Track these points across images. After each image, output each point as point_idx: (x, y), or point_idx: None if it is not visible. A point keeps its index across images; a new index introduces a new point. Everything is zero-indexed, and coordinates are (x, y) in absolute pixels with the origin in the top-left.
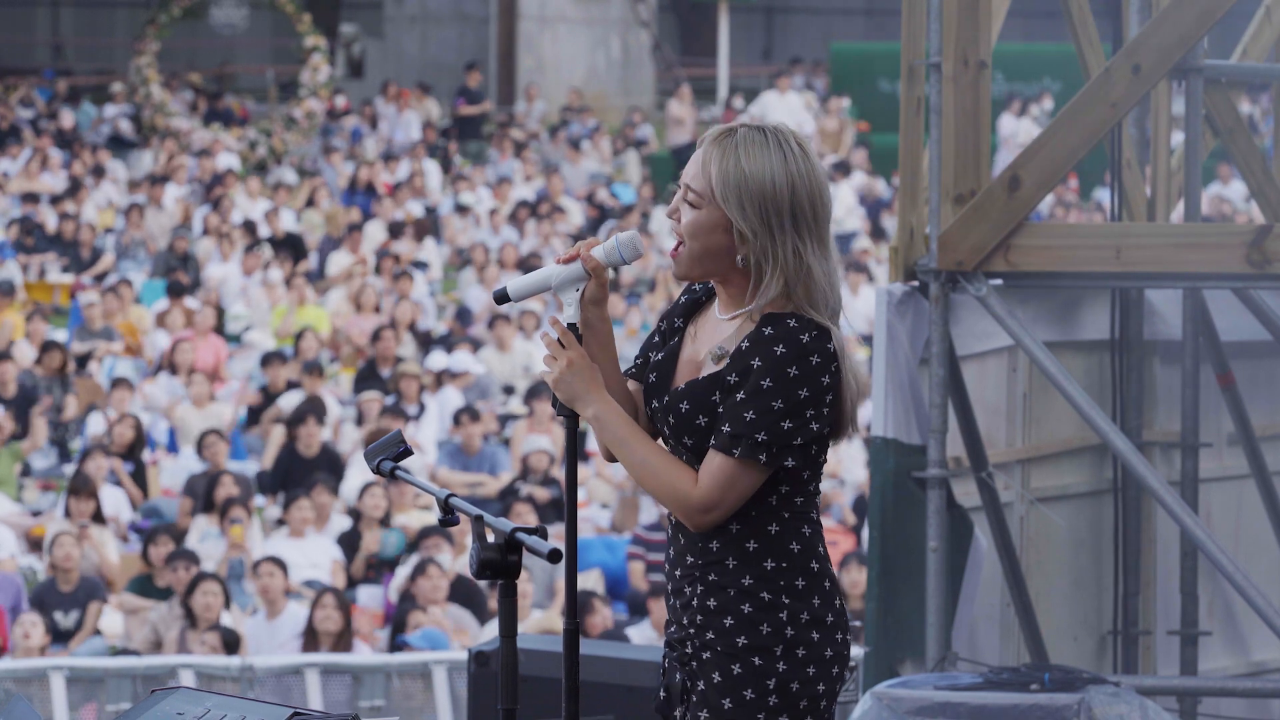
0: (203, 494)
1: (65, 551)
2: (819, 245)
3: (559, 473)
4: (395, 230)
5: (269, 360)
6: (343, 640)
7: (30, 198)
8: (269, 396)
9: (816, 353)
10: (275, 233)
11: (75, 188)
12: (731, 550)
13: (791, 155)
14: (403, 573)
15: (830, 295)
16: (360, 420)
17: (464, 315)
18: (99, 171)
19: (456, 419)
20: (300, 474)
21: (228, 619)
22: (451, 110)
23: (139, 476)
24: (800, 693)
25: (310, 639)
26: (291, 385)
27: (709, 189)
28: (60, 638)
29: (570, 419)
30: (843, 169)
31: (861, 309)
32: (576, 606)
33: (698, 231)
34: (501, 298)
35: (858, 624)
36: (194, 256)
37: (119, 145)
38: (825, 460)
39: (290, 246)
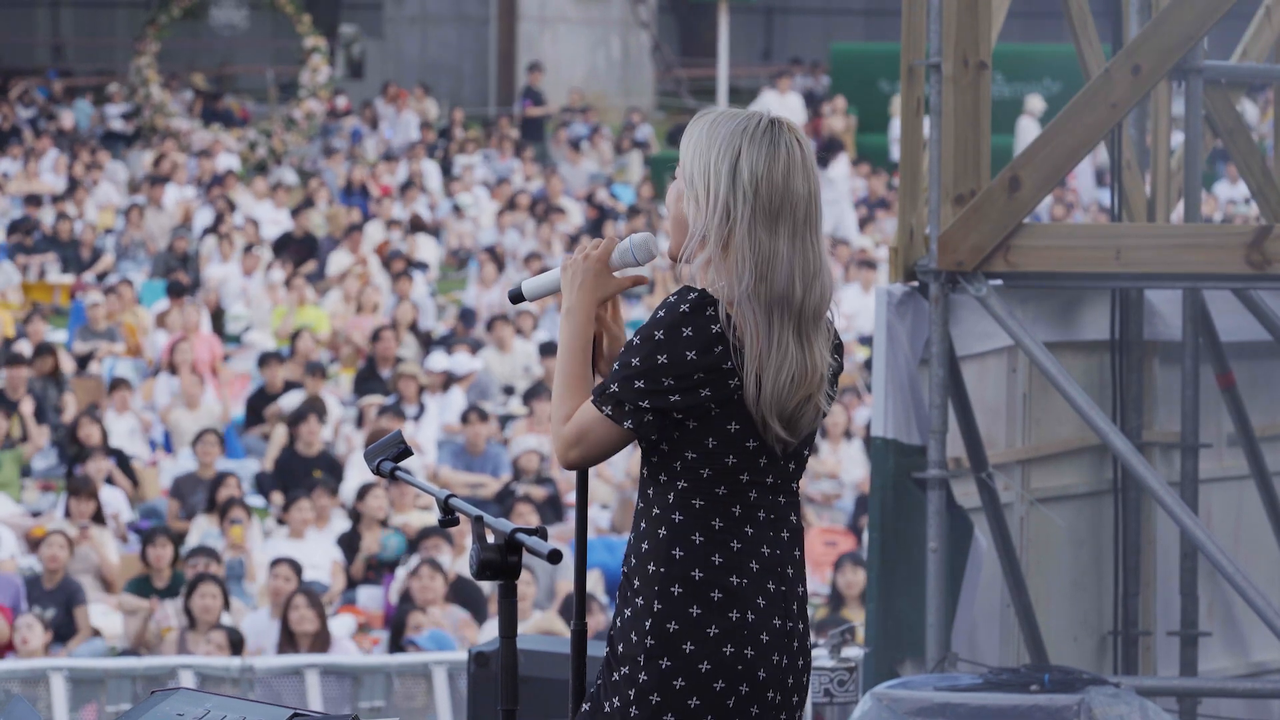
0: (205, 494)
1: (52, 553)
2: (759, 223)
3: (554, 472)
4: (390, 229)
5: (267, 360)
6: (320, 639)
7: (33, 199)
8: (267, 397)
9: (690, 325)
10: (298, 233)
11: (74, 188)
12: (634, 547)
13: (751, 130)
14: (403, 574)
15: (756, 277)
16: (361, 422)
17: (467, 316)
18: (97, 168)
19: (464, 418)
20: (299, 473)
21: (226, 619)
22: (520, 111)
23: (124, 471)
24: (664, 705)
25: (288, 640)
26: (291, 385)
27: (681, 160)
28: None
29: None
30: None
31: (862, 309)
32: (585, 608)
33: (670, 201)
34: (516, 297)
35: (857, 625)
36: (193, 257)
37: (116, 144)
38: (732, 461)
39: (304, 248)
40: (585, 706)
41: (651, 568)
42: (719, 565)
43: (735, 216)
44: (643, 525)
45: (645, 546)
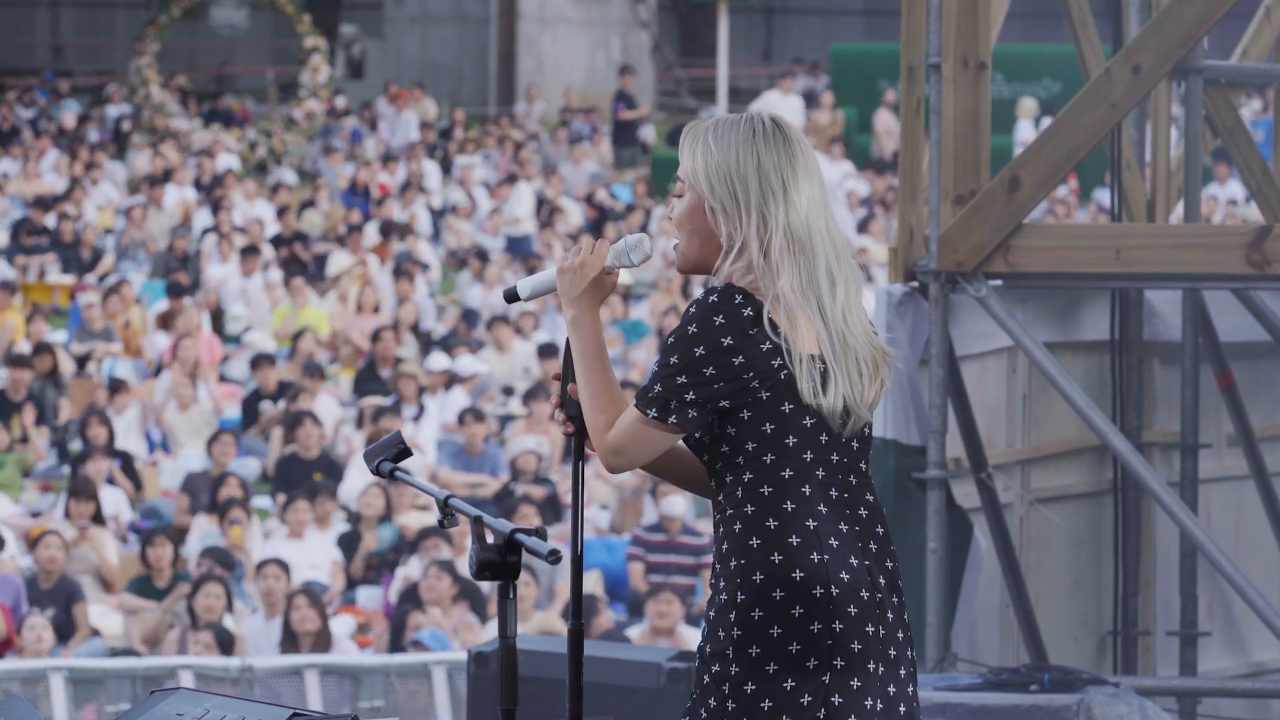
0: (208, 494)
1: (50, 554)
2: (794, 221)
3: (552, 473)
4: (386, 230)
5: (259, 363)
6: (321, 639)
7: (40, 203)
8: (263, 397)
9: (721, 313)
10: (285, 232)
11: (74, 188)
12: (716, 555)
13: (762, 133)
14: (403, 574)
15: (805, 274)
16: (360, 422)
17: (468, 316)
18: (95, 169)
19: (460, 419)
20: (298, 476)
21: (229, 620)
22: (612, 115)
23: (128, 473)
24: (760, 693)
25: (289, 640)
26: (289, 386)
27: (686, 173)
28: None
29: (577, 419)
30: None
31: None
32: (582, 607)
33: (682, 219)
34: (511, 297)
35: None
36: (192, 257)
37: (116, 144)
38: (793, 441)
39: (292, 245)
40: None
41: (733, 564)
42: (797, 545)
43: (773, 222)
44: (720, 531)
45: (725, 547)
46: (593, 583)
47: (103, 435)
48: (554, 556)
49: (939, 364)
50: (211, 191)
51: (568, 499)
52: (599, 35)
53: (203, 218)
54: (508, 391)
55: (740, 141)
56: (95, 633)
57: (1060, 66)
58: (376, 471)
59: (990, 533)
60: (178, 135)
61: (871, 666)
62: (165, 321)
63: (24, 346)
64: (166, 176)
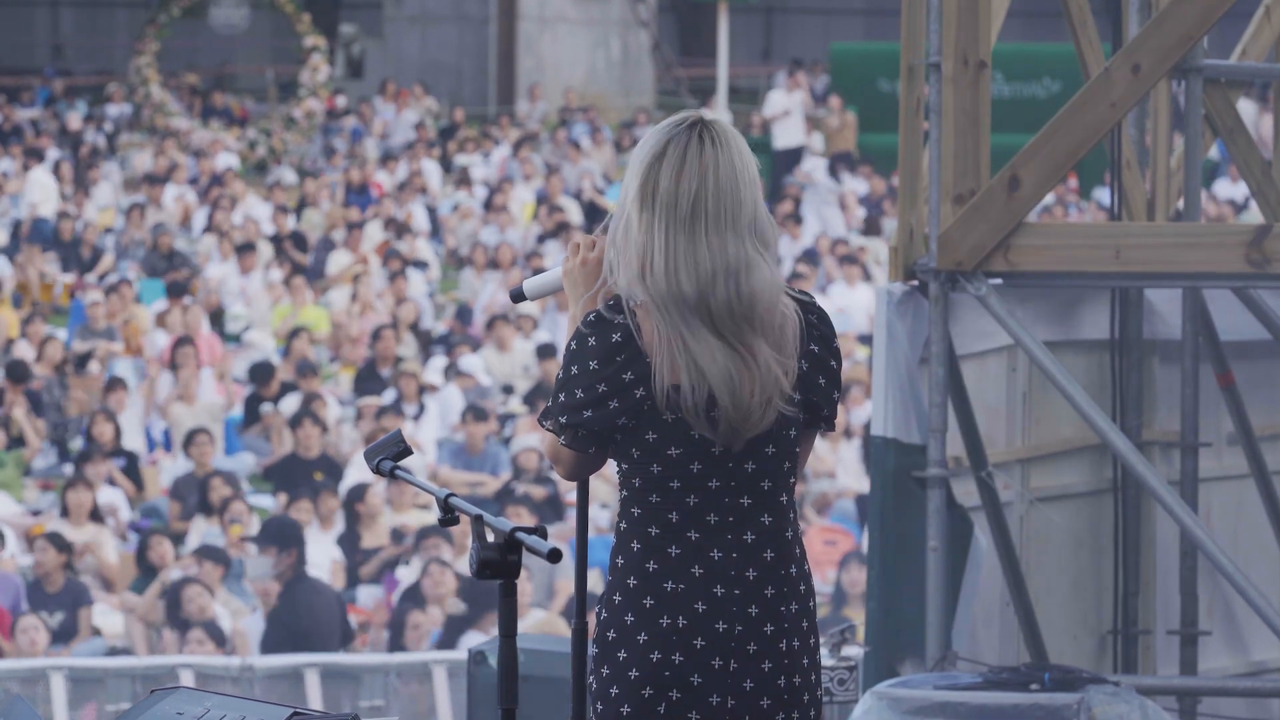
0: (198, 495)
1: (47, 554)
2: (641, 221)
3: (553, 472)
4: (390, 228)
5: (258, 371)
6: None
7: (45, 204)
8: (263, 400)
9: (595, 334)
10: (280, 230)
11: (75, 188)
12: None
13: (656, 137)
14: (404, 574)
15: (639, 271)
16: (359, 421)
17: (463, 314)
18: (95, 167)
19: (462, 417)
20: (299, 475)
21: (226, 620)
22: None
23: (132, 473)
24: (605, 714)
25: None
26: (286, 387)
27: None
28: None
29: None
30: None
31: (862, 308)
32: (585, 606)
33: None
34: (518, 297)
35: (856, 623)
36: (181, 253)
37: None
38: (658, 469)
39: (291, 244)
40: None
41: (607, 579)
42: (653, 571)
43: (636, 225)
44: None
45: (608, 560)
46: (593, 582)
47: (108, 433)
48: (554, 555)
49: (939, 363)
50: (211, 191)
51: (569, 498)
52: (599, 35)
53: (202, 217)
54: (508, 390)
55: (640, 145)
56: (96, 632)
57: (1060, 66)
58: (377, 470)
59: (990, 532)
60: (178, 135)
61: (714, 699)
62: (165, 321)
63: (21, 345)
64: (166, 176)
